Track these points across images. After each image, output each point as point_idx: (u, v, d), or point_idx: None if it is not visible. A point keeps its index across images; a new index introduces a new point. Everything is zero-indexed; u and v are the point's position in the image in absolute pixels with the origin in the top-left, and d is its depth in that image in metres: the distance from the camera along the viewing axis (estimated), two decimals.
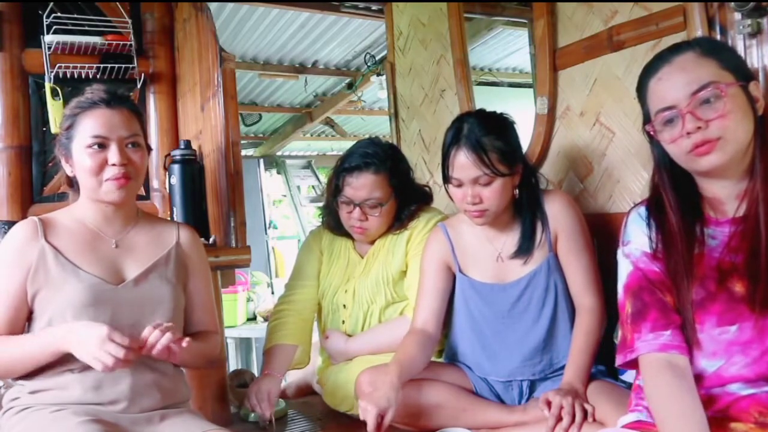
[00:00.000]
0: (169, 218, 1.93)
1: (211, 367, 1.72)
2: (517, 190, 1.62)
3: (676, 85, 1.12)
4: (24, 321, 1.37)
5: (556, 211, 1.62)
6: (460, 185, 1.57)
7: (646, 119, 1.19)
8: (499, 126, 1.60)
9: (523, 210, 1.64)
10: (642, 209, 1.25)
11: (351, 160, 1.84)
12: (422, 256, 1.77)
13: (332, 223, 1.98)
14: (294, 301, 1.98)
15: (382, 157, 1.83)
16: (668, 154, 1.17)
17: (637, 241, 1.23)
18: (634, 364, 1.20)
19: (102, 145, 1.36)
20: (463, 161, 1.54)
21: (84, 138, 1.36)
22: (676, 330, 1.15)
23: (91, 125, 1.36)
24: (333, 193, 1.90)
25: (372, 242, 1.94)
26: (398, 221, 1.90)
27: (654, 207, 1.22)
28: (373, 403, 1.43)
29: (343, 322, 1.94)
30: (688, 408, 1.06)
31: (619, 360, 1.21)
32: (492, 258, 1.67)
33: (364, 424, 1.43)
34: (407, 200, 1.90)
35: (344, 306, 1.94)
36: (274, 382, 1.82)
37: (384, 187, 1.83)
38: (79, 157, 1.37)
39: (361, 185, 1.82)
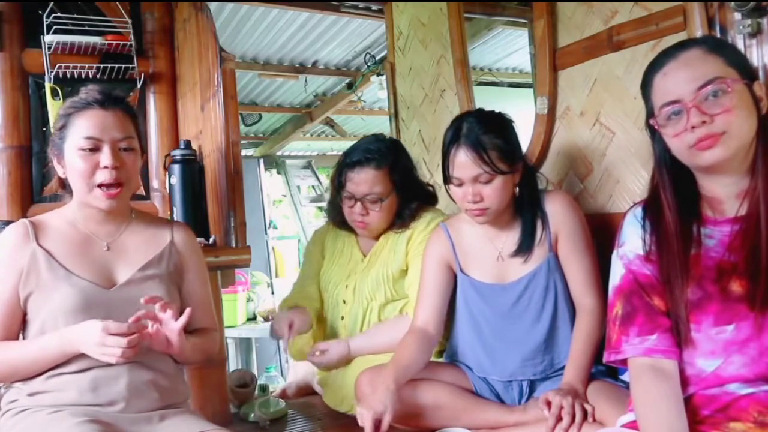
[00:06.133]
0: (168, 218, 1.93)
1: (211, 365, 1.72)
2: (518, 189, 1.62)
3: (682, 80, 1.12)
4: (19, 324, 1.37)
5: (557, 211, 1.62)
6: (460, 184, 1.58)
7: (650, 114, 1.19)
8: (498, 124, 1.60)
9: (524, 209, 1.65)
10: (638, 210, 1.25)
11: (353, 156, 1.87)
12: (424, 255, 1.77)
13: (337, 218, 2.00)
14: (302, 293, 2.01)
15: (383, 153, 1.85)
16: (669, 151, 1.17)
17: (631, 244, 1.23)
18: (623, 362, 1.22)
19: (94, 148, 1.34)
20: (463, 159, 1.55)
21: (76, 139, 1.34)
22: (664, 333, 1.16)
23: (83, 126, 1.34)
24: (336, 188, 1.93)
25: (375, 237, 1.95)
26: (400, 218, 1.91)
27: (651, 207, 1.23)
28: (369, 407, 1.45)
29: (342, 318, 1.95)
30: (663, 413, 1.10)
31: (605, 357, 1.25)
32: (493, 257, 1.67)
33: None
34: (410, 196, 1.91)
35: (344, 301, 1.95)
36: (305, 313, 1.88)
37: (385, 182, 1.85)
38: (70, 159, 1.35)
39: (362, 180, 1.84)
